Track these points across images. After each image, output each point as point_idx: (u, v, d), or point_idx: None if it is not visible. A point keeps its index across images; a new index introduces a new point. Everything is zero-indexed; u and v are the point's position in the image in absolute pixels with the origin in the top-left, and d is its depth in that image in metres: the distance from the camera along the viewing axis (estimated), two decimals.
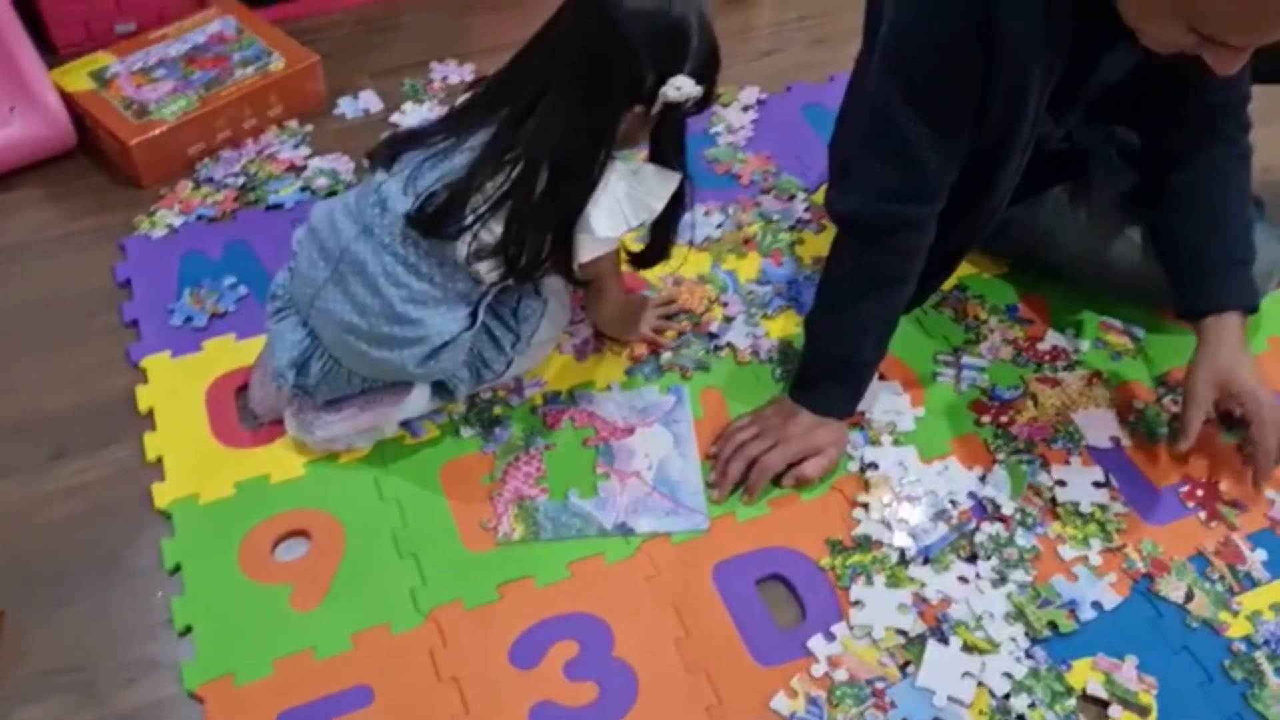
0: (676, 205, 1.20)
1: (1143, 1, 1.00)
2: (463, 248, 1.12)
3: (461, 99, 1.20)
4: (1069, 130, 1.31)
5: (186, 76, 1.64)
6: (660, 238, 1.25)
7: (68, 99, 1.59)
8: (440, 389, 1.26)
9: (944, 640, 1.12)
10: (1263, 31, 0.96)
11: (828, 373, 1.26)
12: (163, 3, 1.78)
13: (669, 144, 1.16)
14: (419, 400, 1.24)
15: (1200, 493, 1.26)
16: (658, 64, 1.07)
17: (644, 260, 1.28)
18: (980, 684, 1.09)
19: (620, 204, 1.12)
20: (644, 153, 1.18)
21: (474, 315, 1.20)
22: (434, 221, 1.11)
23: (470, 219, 1.10)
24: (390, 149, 1.17)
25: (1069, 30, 1.08)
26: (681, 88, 1.08)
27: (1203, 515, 1.24)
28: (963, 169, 1.16)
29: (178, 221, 1.53)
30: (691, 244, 1.47)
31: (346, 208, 1.19)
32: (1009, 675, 1.10)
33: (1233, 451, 1.30)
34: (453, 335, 1.19)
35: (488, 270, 1.15)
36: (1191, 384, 1.23)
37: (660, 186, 1.15)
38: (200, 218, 1.54)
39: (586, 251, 1.15)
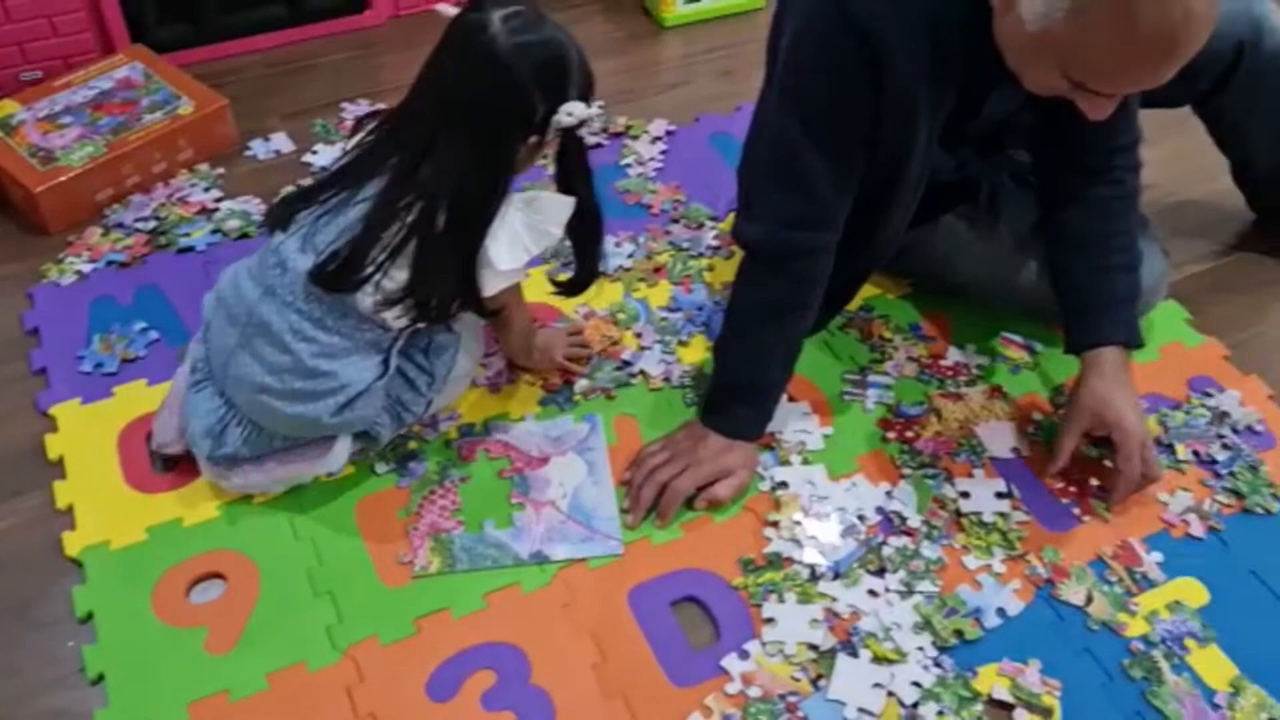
0: (595, 229, 1.23)
1: (1020, 48, 1.05)
2: (366, 299, 1.14)
3: (348, 151, 1.20)
4: (961, 162, 1.36)
5: (94, 122, 1.64)
6: (584, 264, 1.27)
7: None
8: (363, 435, 1.27)
9: (854, 653, 1.15)
10: (1126, 81, 1.02)
11: (736, 396, 1.28)
12: (68, 50, 1.77)
13: (574, 170, 1.19)
14: (341, 454, 1.24)
15: (1073, 489, 1.31)
16: (546, 94, 1.11)
17: (571, 288, 1.29)
18: (890, 694, 1.12)
19: (520, 235, 1.15)
20: (544, 183, 1.20)
21: (386, 363, 1.21)
22: (336, 277, 1.13)
23: (370, 270, 1.12)
24: (284, 209, 1.19)
25: (957, 69, 1.12)
26: (573, 112, 1.12)
27: (1077, 511, 1.29)
28: (858, 198, 1.21)
29: (87, 268, 1.52)
30: (604, 273, 1.49)
31: (249, 271, 1.20)
32: (917, 684, 1.13)
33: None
34: (366, 384, 1.20)
35: (395, 317, 1.17)
36: (1069, 411, 1.28)
37: (557, 212, 1.17)
38: (110, 263, 1.53)
39: (490, 285, 1.17)
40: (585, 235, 1.23)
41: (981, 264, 1.42)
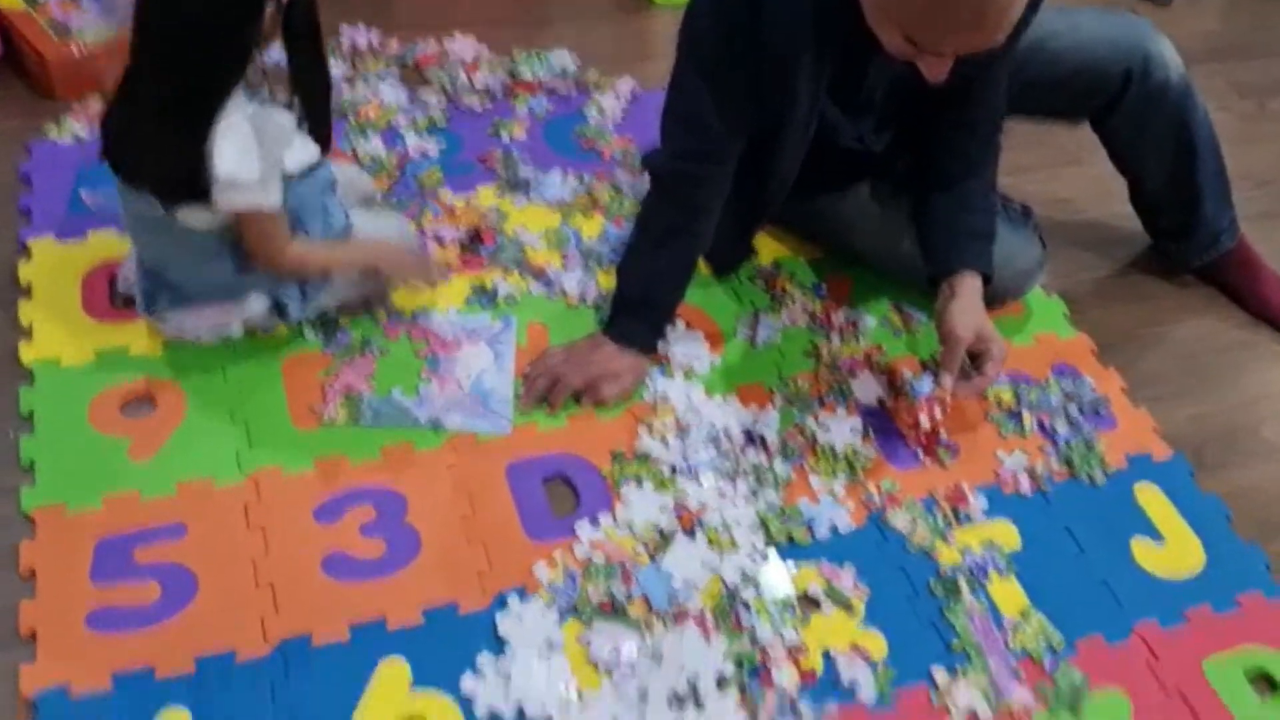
0: (326, 85, 1.28)
1: (871, 11, 1.17)
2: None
3: None
4: (860, 134, 1.49)
5: (110, 9, 1.80)
6: (318, 118, 1.28)
7: None
8: (277, 308, 1.41)
9: (692, 537, 1.30)
10: (950, 37, 1.12)
11: (630, 310, 1.44)
12: None
13: (303, 28, 1.21)
14: (258, 304, 1.38)
15: (924, 438, 1.44)
16: None
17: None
18: (716, 574, 1.27)
19: (249, 145, 1.19)
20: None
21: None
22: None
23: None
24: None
25: (836, 32, 1.25)
26: None
27: (921, 454, 1.43)
28: (751, 142, 1.36)
29: (84, 133, 1.69)
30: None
31: None
32: (742, 570, 1.27)
33: (954, 402, 1.46)
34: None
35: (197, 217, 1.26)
36: (951, 328, 1.40)
37: (287, 134, 1.22)
38: None
39: (223, 197, 1.21)
40: (314, 89, 1.26)
41: (879, 233, 1.57)
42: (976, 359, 1.43)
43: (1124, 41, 1.53)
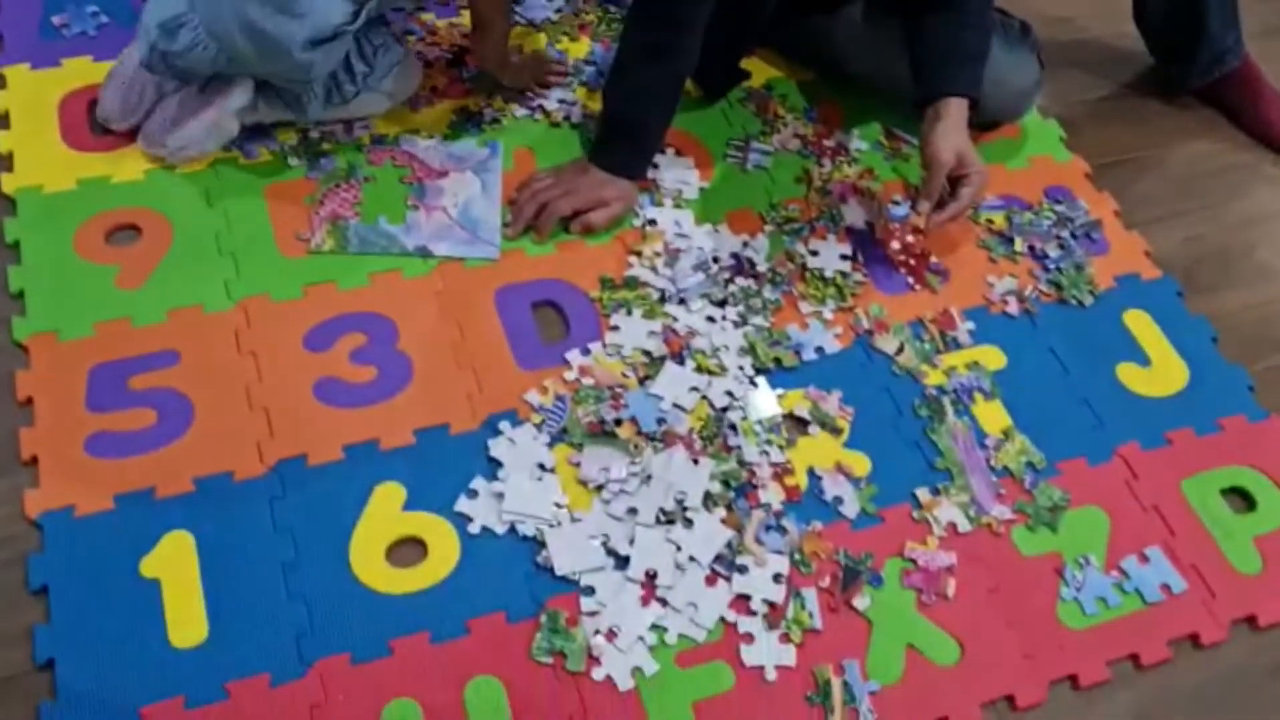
0: None
1: None
2: None
3: None
4: None
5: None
6: None
7: None
8: (295, 103, 1.40)
9: (681, 362, 1.31)
10: None
11: (617, 134, 1.41)
12: None
13: None
14: (244, 92, 1.35)
15: (913, 262, 1.45)
16: None
17: None
18: (704, 397, 1.29)
19: None
20: None
21: (356, 14, 1.29)
22: None
23: None
24: None
25: None
26: None
27: (910, 280, 1.43)
28: None
29: None
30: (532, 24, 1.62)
31: None
32: (730, 393, 1.29)
33: (945, 227, 1.45)
34: (333, 26, 1.28)
35: None
36: (934, 152, 1.38)
37: None
38: None
39: None
40: None
41: (870, 54, 1.53)
42: (957, 184, 1.41)
43: None
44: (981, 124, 1.55)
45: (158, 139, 1.40)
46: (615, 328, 1.33)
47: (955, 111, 1.39)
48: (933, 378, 1.35)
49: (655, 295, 1.37)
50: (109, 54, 1.50)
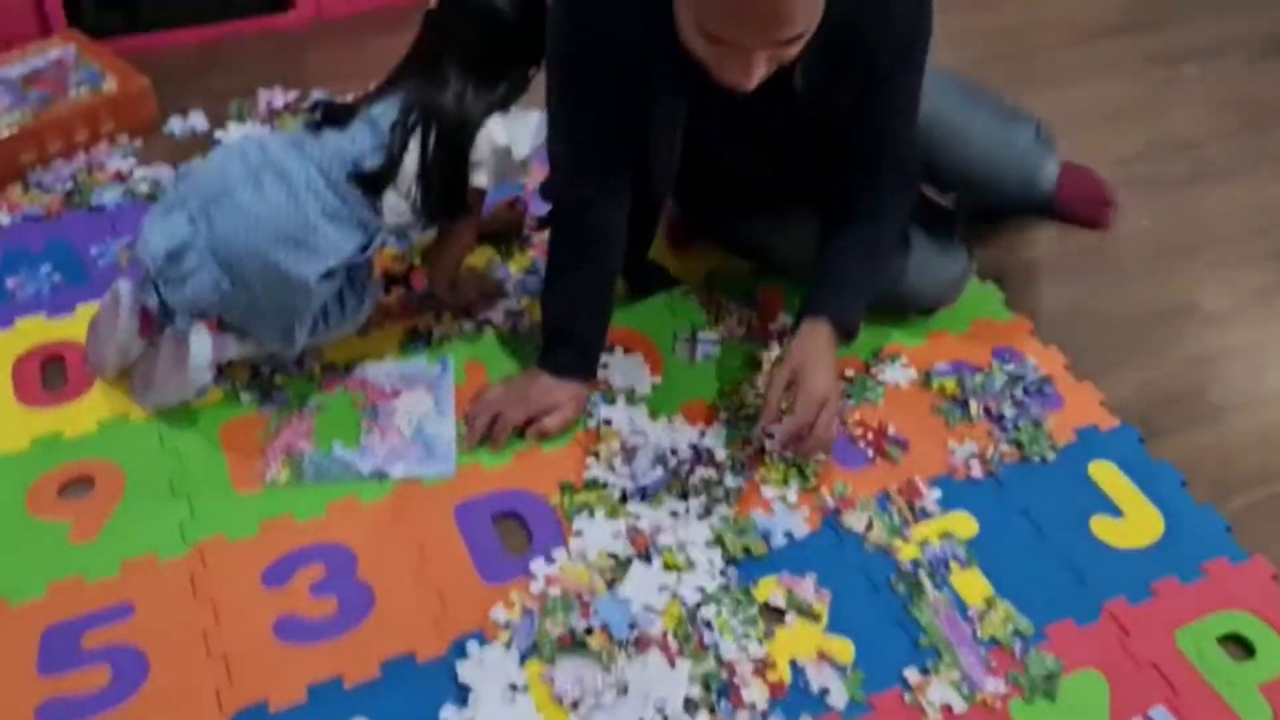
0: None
1: (678, 14, 1.13)
2: (389, 195, 1.38)
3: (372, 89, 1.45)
4: (764, 165, 1.50)
5: (24, 94, 1.80)
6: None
7: None
8: (283, 336, 1.40)
9: (648, 560, 1.29)
10: (730, 21, 1.08)
11: (557, 340, 1.44)
12: (9, 30, 1.94)
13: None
14: (201, 346, 1.36)
15: (871, 435, 1.45)
16: (538, 30, 1.34)
17: None
18: (675, 596, 1.25)
19: (507, 132, 1.41)
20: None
21: (366, 246, 1.38)
22: (374, 178, 1.36)
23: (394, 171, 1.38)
24: (341, 111, 1.42)
25: (687, 60, 1.18)
26: None
27: (870, 454, 1.43)
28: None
29: (5, 220, 1.68)
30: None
31: (276, 135, 1.41)
32: (701, 589, 1.26)
33: (899, 397, 1.49)
34: (345, 256, 1.35)
35: (390, 209, 1.38)
36: (775, 368, 1.38)
37: (539, 123, 1.41)
38: (26, 217, 1.69)
39: (478, 175, 1.42)
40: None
41: (795, 248, 1.52)
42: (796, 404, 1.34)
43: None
44: (920, 310, 1.60)
45: (142, 399, 1.43)
46: (579, 533, 1.31)
47: (815, 332, 1.36)
48: (906, 551, 1.32)
49: (616, 495, 1.36)
50: (62, 310, 1.53)
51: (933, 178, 1.59)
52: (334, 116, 1.40)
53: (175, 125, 1.89)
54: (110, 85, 1.84)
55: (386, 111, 1.39)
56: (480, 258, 1.68)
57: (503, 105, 1.41)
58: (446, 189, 1.41)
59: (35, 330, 1.52)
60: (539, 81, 1.39)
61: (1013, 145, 1.60)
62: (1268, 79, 2.24)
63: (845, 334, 1.39)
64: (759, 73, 1.13)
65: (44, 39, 1.93)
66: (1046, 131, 1.66)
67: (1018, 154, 1.61)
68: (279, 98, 1.96)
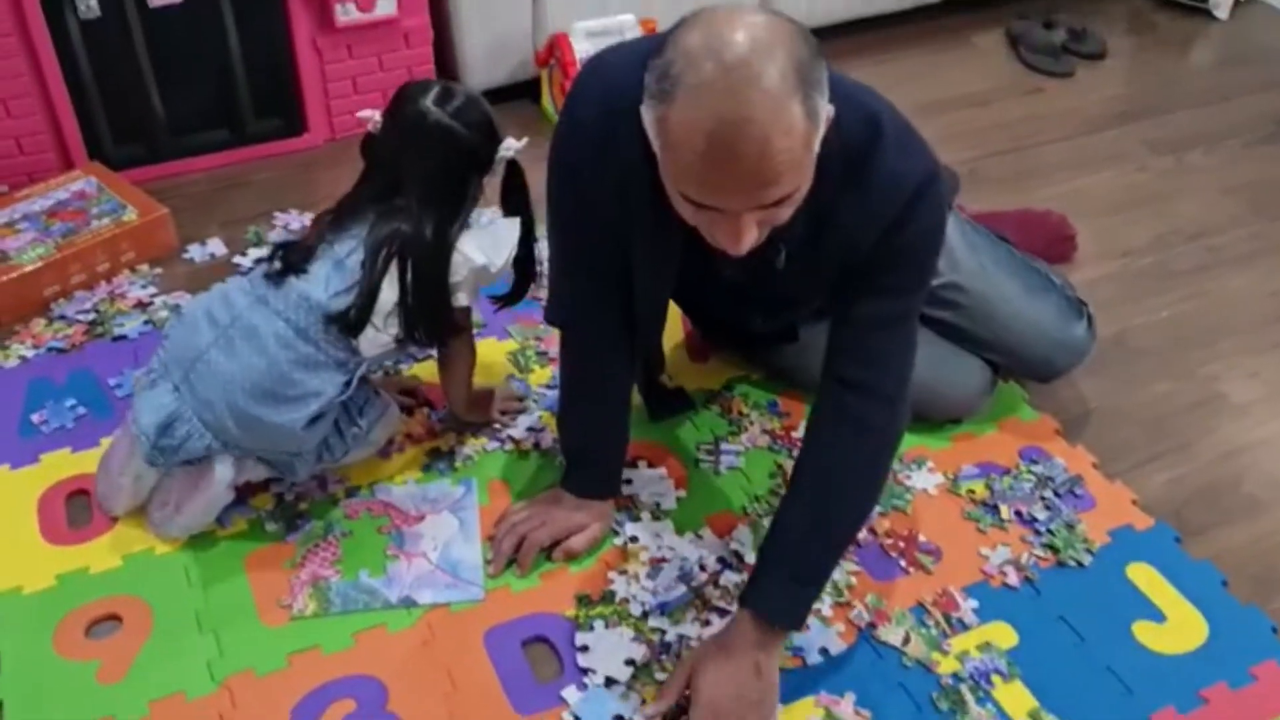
0: (530, 243, 1.47)
1: (666, 185, 1.07)
2: (369, 331, 1.36)
3: (316, 224, 1.44)
4: (760, 322, 1.52)
5: (47, 227, 1.83)
6: (524, 269, 1.50)
7: None
8: (286, 467, 1.42)
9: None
10: (703, 185, 1.02)
11: (576, 462, 1.43)
12: (32, 166, 1.98)
13: (517, 193, 1.46)
14: (225, 469, 1.36)
15: (902, 544, 1.43)
16: (488, 139, 1.39)
17: (512, 296, 1.54)
18: None
19: (482, 246, 1.39)
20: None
21: (349, 383, 1.37)
22: (354, 321, 1.34)
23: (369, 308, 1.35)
24: (298, 256, 1.38)
25: (673, 223, 1.14)
26: (510, 146, 1.41)
27: (903, 564, 1.41)
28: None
29: (29, 353, 1.69)
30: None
31: (238, 287, 1.38)
32: None
33: (928, 503, 1.48)
34: (330, 399, 1.35)
35: (369, 343, 1.37)
36: (687, 656, 1.26)
37: (509, 233, 1.42)
38: (50, 349, 1.70)
39: (462, 293, 1.40)
40: (524, 248, 1.46)
41: (815, 369, 1.49)
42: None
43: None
44: (944, 419, 1.60)
45: (162, 529, 1.42)
46: (584, 647, 1.30)
47: (740, 629, 1.22)
48: (945, 665, 1.30)
49: (637, 610, 1.34)
50: (87, 444, 1.53)
51: (959, 342, 1.58)
52: (293, 263, 1.36)
53: (195, 252, 1.92)
54: (131, 215, 1.86)
55: (351, 249, 1.36)
56: (499, 373, 1.69)
57: (467, 222, 1.40)
58: (431, 317, 1.38)
59: (60, 465, 1.51)
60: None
61: (1040, 325, 1.59)
62: (1271, 162, 2.27)
63: (783, 625, 1.24)
64: (750, 236, 1.06)
65: (66, 172, 1.97)
66: (1072, 293, 1.65)
67: (1045, 333, 1.59)
68: (295, 220, 1.99)
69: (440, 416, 1.60)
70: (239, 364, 1.32)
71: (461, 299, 1.40)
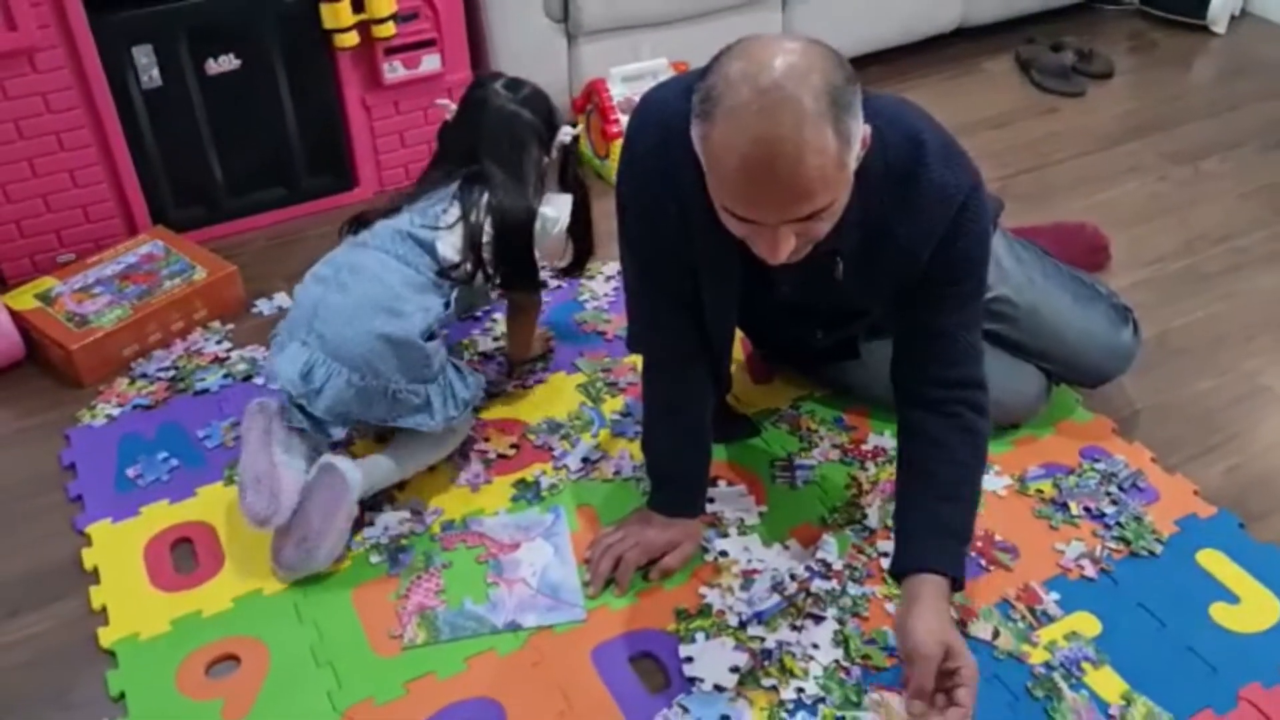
0: (587, 216, 1.73)
1: (712, 197, 1.14)
2: (450, 252, 1.57)
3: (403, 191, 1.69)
4: (825, 340, 1.61)
5: (121, 290, 1.89)
6: (581, 242, 1.74)
7: (16, 316, 1.83)
8: (424, 408, 1.52)
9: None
10: (743, 199, 1.09)
11: (663, 482, 1.50)
12: (99, 233, 2.05)
13: (571, 172, 1.72)
14: (353, 471, 1.48)
15: (979, 544, 1.49)
16: (549, 125, 1.67)
17: (574, 266, 1.79)
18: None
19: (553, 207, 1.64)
20: None
21: (447, 304, 1.56)
22: (466, 273, 1.57)
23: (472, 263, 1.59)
24: (361, 220, 1.65)
25: (726, 234, 1.18)
26: (567, 132, 1.70)
27: (983, 562, 1.46)
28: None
29: (116, 411, 1.74)
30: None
31: (333, 252, 1.60)
32: (816, 678, 1.32)
33: (999, 504, 1.54)
34: (436, 315, 1.53)
35: (451, 251, 1.57)
36: (915, 643, 1.20)
37: (565, 201, 1.67)
38: (136, 406, 1.75)
39: (542, 245, 1.64)
40: (580, 221, 1.70)
41: (879, 384, 1.50)
42: (948, 677, 1.20)
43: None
44: (1005, 426, 1.65)
45: (303, 565, 1.45)
46: (688, 659, 1.35)
47: (932, 591, 1.25)
48: (1036, 655, 1.35)
49: (734, 620, 1.39)
50: (184, 494, 1.59)
51: (1012, 352, 1.64)
52: (371, 222, 1.61)
53: (262, 306, 1.98)
54: (200, 274, 1.93)
55: (432, 202, 1.60)
56: (572, 401, 1.75)
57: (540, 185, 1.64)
58: (523, 268, 1.63)
59: (160, 515, 1.56)
60: None
61: (1092, 333, 1.65)
62: None
63: (956, 584, 1.29)
64: (787, 247, 1.11)
65: (132, 237, 2.04)
66: (1118, 300, 1.72)
67: (1097, 341, 1.65)
68: None
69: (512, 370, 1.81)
70: (356, 295, 1.50)
71: (538, 253, 1.62)
